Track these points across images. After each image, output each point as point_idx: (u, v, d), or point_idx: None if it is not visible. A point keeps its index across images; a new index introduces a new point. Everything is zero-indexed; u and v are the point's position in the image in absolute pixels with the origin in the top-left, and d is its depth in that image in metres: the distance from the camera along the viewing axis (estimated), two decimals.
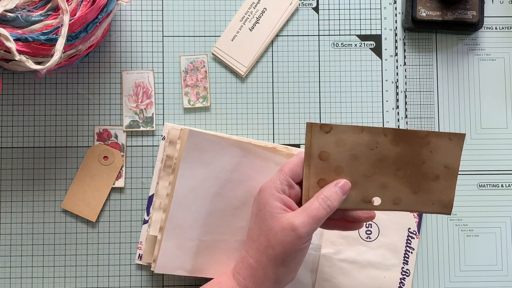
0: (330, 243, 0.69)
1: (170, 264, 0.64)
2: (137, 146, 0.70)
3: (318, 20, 0.72)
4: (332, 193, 0.56)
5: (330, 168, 0.57)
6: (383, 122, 0.72)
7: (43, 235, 0.69)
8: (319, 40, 0.72)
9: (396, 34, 0.72)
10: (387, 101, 0.72)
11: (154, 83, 0.71)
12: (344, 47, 0.72)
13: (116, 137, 0.70)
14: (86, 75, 0.70)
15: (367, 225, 0.70)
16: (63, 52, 0.60)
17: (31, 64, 0.58)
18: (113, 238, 0.69)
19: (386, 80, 0.72)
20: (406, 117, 0.72)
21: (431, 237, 0.71)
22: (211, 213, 0.64)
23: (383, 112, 0.72)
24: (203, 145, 0.63)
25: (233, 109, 0.71)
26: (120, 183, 0.69)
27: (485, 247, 0.71)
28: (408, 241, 0.70)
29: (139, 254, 0.69)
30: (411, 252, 0.70)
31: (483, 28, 0.72)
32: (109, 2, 0.62)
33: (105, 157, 0.69)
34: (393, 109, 0.72)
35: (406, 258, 0.70)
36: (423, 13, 0.70)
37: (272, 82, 0.72)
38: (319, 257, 0.69)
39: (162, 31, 0.71)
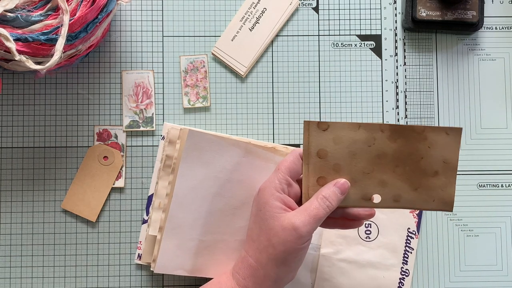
0: (329, 243, 0.69)
1: (169, 264, 0.64)
2: (137, 146, 0.70)
3: (318, 20, 0.72)
4: (331, 193, 0.56)
5: (329, 166, 0.57)
6: (383, 122, 0.72)
7: (43, 235, 0.69)
8: (319, 40, 0.72)
9: (396, 34, 0.72)
10: (387, 101, 0.72)
11: (154, 83, 0.71)
12: (344, 47, 0.72)
13: (116, 137, 0.70)
14: (86, 75, 0.70)
15: (367, 225, 0.70)
16: (63, 52, 0.60)
17: (31, 64, 0.58)
18: (113, 238, 0.69)
19: (386, 80, 0.72)
20: (406, 117, 0.72)
21: (430, 237, 0.71)
22: (211, 213, 0.64)
23: (383, 112, 0.72)
24: (203, 145, 0.63)
25: (233, 109, 0.71)
26: (120, 183, 0.69)
27: (485, 247, 0.71)
28: (408, 241, 0.70)
29: (139, 254, 0.69)
30: (411, 252, 0.70)
31: (483, 28, 0.72)
32: (109, 2, 0.62)
33: (105, 157, 0.69)
34: (393, 109, 0.72)
35: (405, 258, 0.70)
36: (423, 13, 0.70)
37: (272, 82, 0.72)
38: (319, 257, 0.69)
39: (162, 31, 0.71)
